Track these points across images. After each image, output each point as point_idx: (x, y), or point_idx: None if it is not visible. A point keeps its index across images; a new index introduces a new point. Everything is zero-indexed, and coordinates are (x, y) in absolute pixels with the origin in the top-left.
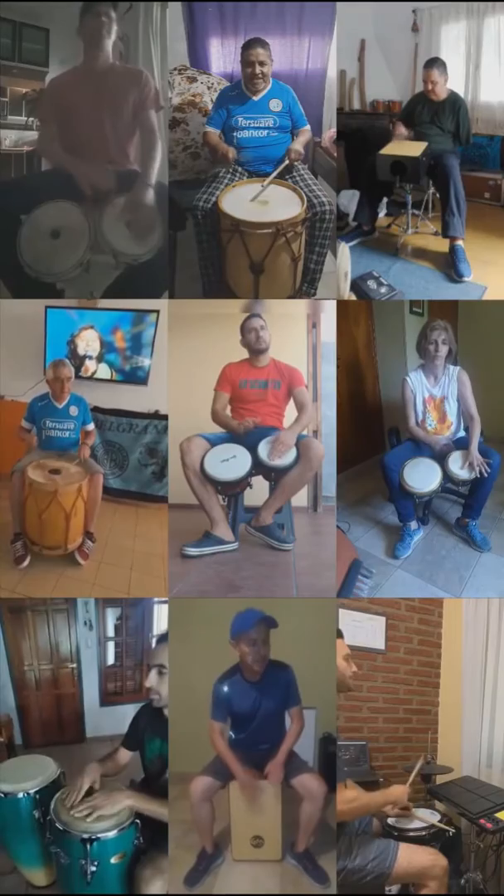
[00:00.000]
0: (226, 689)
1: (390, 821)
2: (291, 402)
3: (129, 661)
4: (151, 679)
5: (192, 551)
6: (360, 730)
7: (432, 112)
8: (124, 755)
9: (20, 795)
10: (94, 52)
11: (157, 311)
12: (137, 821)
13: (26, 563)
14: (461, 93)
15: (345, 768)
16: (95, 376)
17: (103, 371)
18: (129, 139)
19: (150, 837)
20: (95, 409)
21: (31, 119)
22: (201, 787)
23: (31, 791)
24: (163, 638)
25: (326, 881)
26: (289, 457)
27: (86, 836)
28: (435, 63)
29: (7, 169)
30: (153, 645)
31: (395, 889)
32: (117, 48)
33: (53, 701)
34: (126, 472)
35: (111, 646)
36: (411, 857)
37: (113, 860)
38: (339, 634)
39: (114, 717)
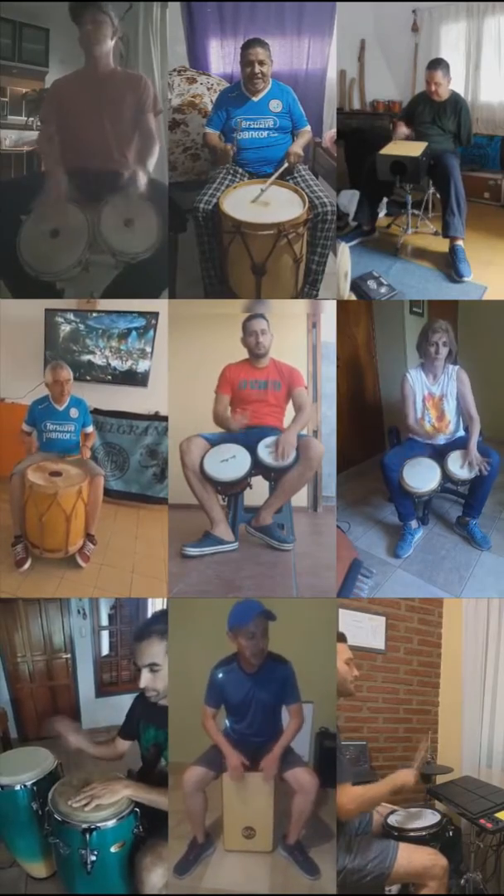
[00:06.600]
0: (220, 675)
1: (390, 821)
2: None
3: (124, 651)
4: (145, 679)
5: (192, 551)
6: (360, 730)
7: (434, 112)
8: (121, 745)
9: (17, 788)
10: (94, 56)
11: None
12: (137, 809)
13: (27, 565)
14: (461, 93)
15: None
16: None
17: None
18: (128, 141)
19: (149, 826)
20: (96, 411)
21: (31, 119)
22: (194, 777)
23: (29, 783)
24: (144, 634)
25: (317, 873)
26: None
27: (85, 825)
28: (439, 64)
29: (7, 169)
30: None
31: (395, 889)
32: (118, 49)
33: (48, 693)
34: (127, 473)
35: (105, 635)
36: (411, 857)
37: (113, 849)
38: (343, 638)
39: (110, 708)
